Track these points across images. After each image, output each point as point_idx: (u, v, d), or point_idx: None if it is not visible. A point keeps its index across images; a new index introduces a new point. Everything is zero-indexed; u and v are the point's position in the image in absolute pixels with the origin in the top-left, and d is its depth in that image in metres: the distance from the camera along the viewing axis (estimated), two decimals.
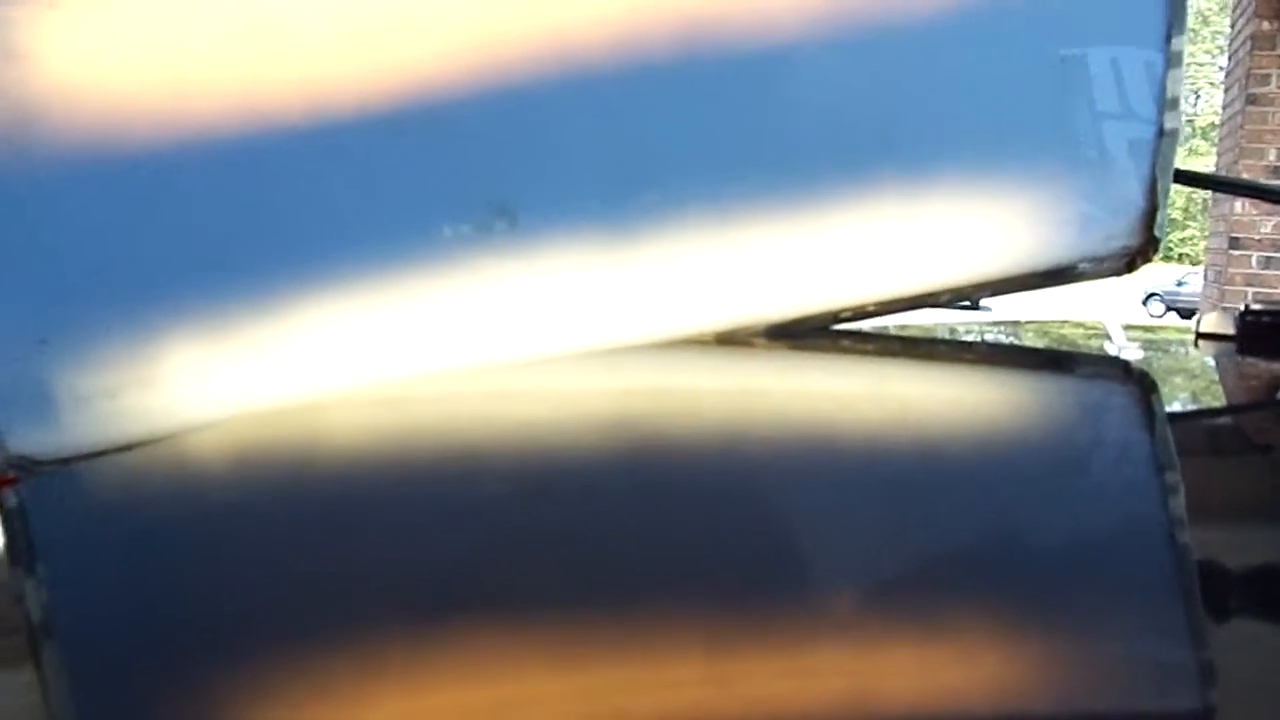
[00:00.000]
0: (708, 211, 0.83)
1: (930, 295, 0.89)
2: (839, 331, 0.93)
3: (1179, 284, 18.62)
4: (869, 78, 0.83)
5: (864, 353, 0.94)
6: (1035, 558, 0.47)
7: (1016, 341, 1.14)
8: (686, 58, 0.80)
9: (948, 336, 1.08)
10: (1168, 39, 0.84)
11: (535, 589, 0.44)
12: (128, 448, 0.78)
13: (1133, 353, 0.95)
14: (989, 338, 1.20)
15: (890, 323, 0.96)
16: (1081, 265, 0.89)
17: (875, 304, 0.89)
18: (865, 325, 0.95)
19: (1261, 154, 4.56)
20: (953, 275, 0.89)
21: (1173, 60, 0.84)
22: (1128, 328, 1.18)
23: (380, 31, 0.77)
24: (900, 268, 0.87)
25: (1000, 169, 0.86)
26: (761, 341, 0.89)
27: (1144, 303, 17.88)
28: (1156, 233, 0.88)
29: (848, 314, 0.90)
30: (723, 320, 0.87)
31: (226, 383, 0.81)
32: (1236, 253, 4.57)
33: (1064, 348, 1.08)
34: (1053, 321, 1.29)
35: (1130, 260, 0.90)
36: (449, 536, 0.50)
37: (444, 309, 0.83)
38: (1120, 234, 0.88)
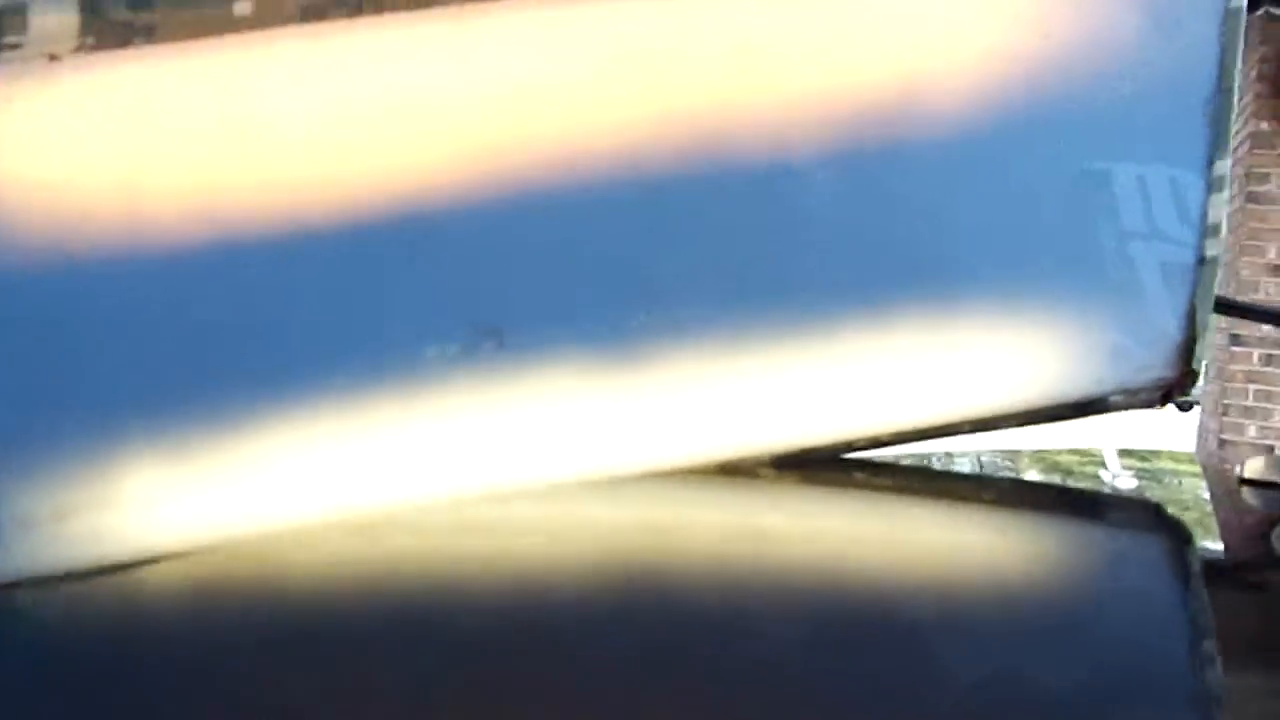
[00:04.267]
0: (712, 335, 0.77)
1: (949, 427, 0.83)
2: (850, 463, 0.87)
3: None
4: (888, 196, 0.77)
5: (877, 488, 0.88)
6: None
7: (1014, 469, 1.10)
8: (692, 174, 0.74)
9: (963, 471, 1.03)
10: (1210, 162, 0.79)
11: None
12: (78, 575, 0.71)
13: (1127, 481, 0.90)
14: (985, 462, 1.17)
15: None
16: (1114, 398, 0.83)
17: (890, 435, 0.83)
18: (877, 455, 0.90)
19: (1262, 251, 4.58)
20: (973, 406, 0.83)
21: (1215, 185, 0.79)
22: (1124, 455, 1.15)
23: (365, 138, 0.72)
24: (918, 397, 0.81)
25: (1028, 295, 0.80)
26: (768, 473, 0.83)
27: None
28: (1194, 365, 0.82)
29: (861, 444, 0.83)
30: (726, 450, 0.81)
31: (186, 508, 0.74)
32: (1238, 349, 4.56)
33: (1078, 483, 1.03)
34: (1050, 450, 1.25)
35: (1166, 393, 0.84)
36: (427, 679, 0.45)
37: (426, 435, 0.76)
38: (1155, 366, 0.83)
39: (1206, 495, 1.01)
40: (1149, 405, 0.84)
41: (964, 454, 1.23)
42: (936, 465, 1.02)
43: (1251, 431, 4.09)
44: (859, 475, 0.88)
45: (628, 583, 0.60)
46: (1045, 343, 0.81)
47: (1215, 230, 0.80)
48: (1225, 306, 0.93)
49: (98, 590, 0.66)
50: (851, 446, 0.84)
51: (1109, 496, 0.95)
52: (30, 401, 0.71)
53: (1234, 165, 4.81)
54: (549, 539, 0.70)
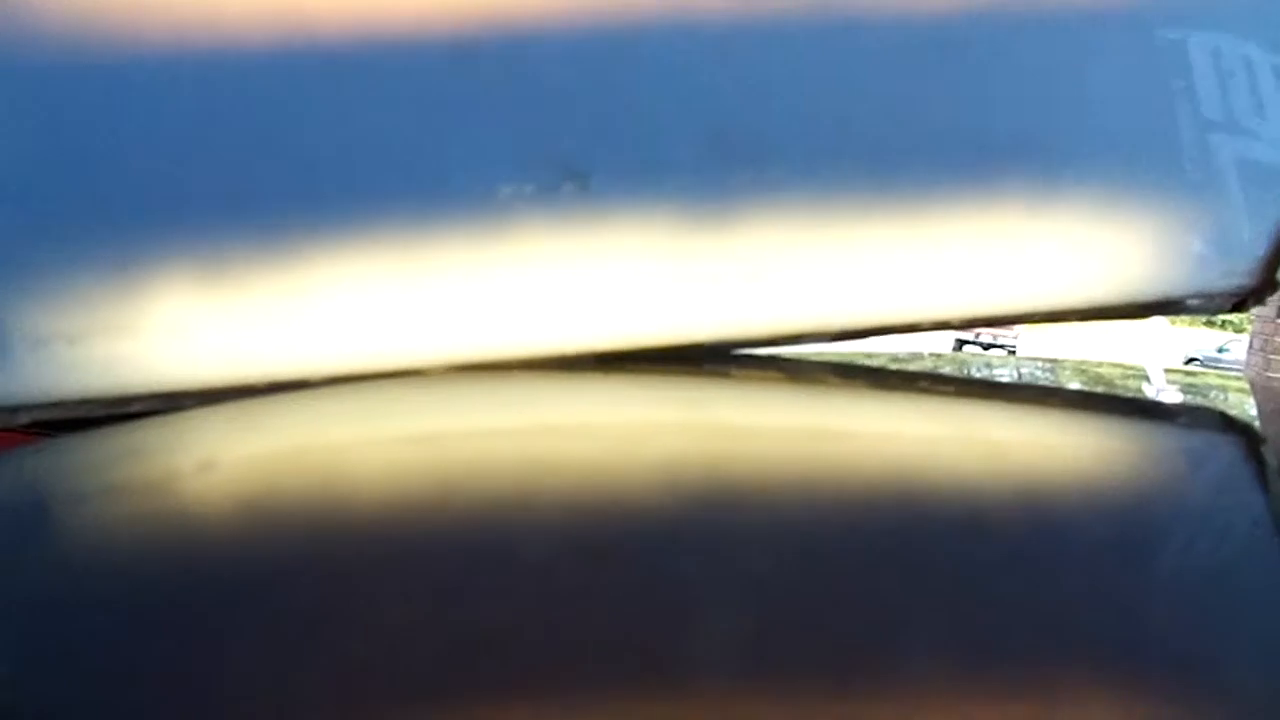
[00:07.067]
0: (809, 203, 0.74)
1: (1024, 315, 0.82)
2: (915, 374, 0.85)
3: (1220, 350, 18.43)
4: (1009, 71, 0.74)
5: (945, 394, 0.86)
6: (1147, 624, 0.41)
7: (1054, 380, 1.07)
8: (818, 24, 0.70)
9: (1028, 380, 1.01)
10: None
11: (589, 659, 0.37)
12: (86, 403, 0.66)
13: (1173, 395, 0.88)
14: (1024, 373, 1.15)
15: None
16: (1190, 301, 0.82)
17: (963, 319, 0.82)
18: (943, 368, 0.90)
19: None
20: (1049, 297, 0.81)
21: None
22: (1169, 371, 1.14)
23: None
24: (1000, 283, 0.80)
25: (1117, 191, 0.78)
26: (834, 380, 0.82)
27: (1184, 365, 17.59)
28: (1278, 276, 0.81)
29: (954, 324, 0.81)
30: (808, 323, 0.78)
31: (217, 342, 0.69)
32: None
33: (1117, 389, 1.01)
34: (1090, 361, 1.23)
35: (1242, 300, 0.83)
36: (491, 600, 0.42)
37: (490, 281, 0.72)
38: (1237, 274, 0.81)
39: (1254, 412, 0.99)
40: (1222, 310, 0.83)
41: (1004, 364, 1.22)
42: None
43: None
44: (923, 383, 0.87)
45: (699, 486, 0.57)
46: (1130, 241, 0.80)
47: None
48: None
49: (129, 506, 0.58)
50: (948, 324, 0.82)
51: (1174, 405, 0.94)
52: (50, 208, 0.66)
53: None
54: (617, 442, 0.65)
